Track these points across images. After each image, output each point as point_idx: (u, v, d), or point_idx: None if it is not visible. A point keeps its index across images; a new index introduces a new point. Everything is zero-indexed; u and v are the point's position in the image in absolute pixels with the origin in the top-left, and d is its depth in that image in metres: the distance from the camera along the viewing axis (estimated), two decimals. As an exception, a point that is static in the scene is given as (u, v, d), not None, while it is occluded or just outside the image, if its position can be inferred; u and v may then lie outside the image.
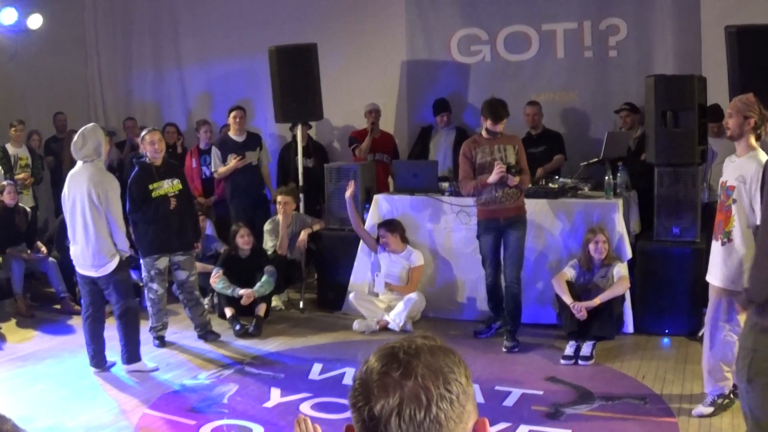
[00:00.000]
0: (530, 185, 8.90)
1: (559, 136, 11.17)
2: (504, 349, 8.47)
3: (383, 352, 1.84)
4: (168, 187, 8.73)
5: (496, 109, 8.45)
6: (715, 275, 6.46)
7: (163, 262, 8.84)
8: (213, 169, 11.26)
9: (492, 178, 8.29)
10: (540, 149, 10.75)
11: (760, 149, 6.22)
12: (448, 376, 1.79)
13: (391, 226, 9.60)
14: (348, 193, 9.72)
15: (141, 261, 8.92)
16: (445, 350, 1.85)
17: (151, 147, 8.69)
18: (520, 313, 8.70)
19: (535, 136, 11.00)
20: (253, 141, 11.40)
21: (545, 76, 11.78)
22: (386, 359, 1.81)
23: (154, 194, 8.66)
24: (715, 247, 6.43)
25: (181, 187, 8.87)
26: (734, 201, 6.21)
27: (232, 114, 11.26)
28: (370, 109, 11.82)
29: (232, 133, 11.31)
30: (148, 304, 8.95)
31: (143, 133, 8.89)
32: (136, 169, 8.85)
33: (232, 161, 10.94)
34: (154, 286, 8.86)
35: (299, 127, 11.22)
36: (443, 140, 11.68)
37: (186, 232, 9.00)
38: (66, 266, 9.40)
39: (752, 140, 6.18)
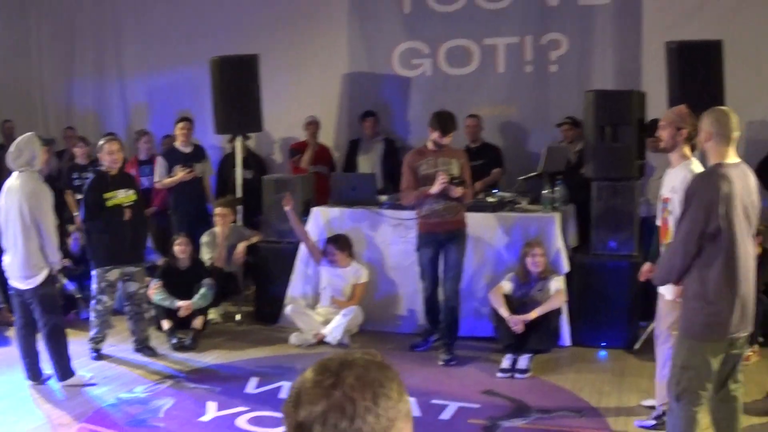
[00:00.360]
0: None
1: (498, 149, 11.23)
2: (441, 363, 8.45)
3: (319, 363, 1.87)
4: (123, 196, 8.68)
5: (445, 121, 8.45)
6: (666, 288, 6.48)
7: (114, 274, 8.75)
8: (157, 179, 11.10)
9: (434, 188, 8.28)
10: (479, 162, 10.79)
11: (695, 159, 6.31)
12: (377, 389, 1.80)
13: (339, 242, 9.52)
14: (288, 207, 9.66)
15: (92, 272, 8.81)
16: (380, 365, 1.86)
17: (109, 157, 8.64)
18: (457, 327, 8.69)
19: (474, 149, 11.02)
20: (199, 153, 11.32)
21: (486, 90, 11.84)
22: (320, 370, 1.84)
23: (108, 203, 8.61)
24: None
25: (135, 197, 8.82)
26: (670, 212, 6.30)
27: (180, 125, 11.13)
28: (310, 121, 11.80)
29: (178, 144, 11.20)
30: (93, 314, 8.83)
31: (101, 142, 8.82)
32: (91, 177, 8.81)
33: (180, 173, 10.81)
34: (104, 298, 8.76)
35: (238, 138, 11.17)
36: (372, 153, 11.71)
37: (139, 243, 9.00)
38: (2, 277, 9.27)
39: (686, 151, 6.28)
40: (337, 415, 1.76)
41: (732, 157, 5.28)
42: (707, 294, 5.10)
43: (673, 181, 6.29)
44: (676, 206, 6.15)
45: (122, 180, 8.82)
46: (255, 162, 12.12)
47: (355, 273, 9.51)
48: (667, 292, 6.45)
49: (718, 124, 5.27)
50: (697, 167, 6.17)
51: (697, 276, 5.15)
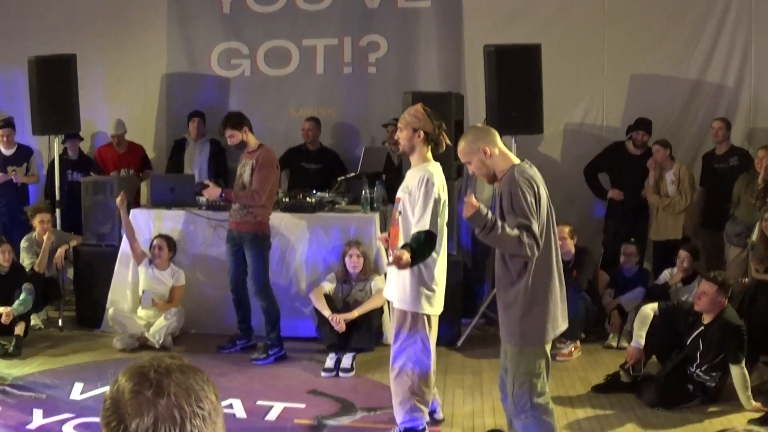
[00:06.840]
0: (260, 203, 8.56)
1: (336, 154, 11.36)
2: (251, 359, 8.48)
3: (133, 371, 1.86)
4: None
5: (223, 120, 8.63)
6: (391, 294, 6.35)
7: None
8: None
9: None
10: (317, 166, 10.93)
11: (433, 161, 6.18)
12: (199, 393, 1.84)
13: (169, 241, 9.46)
14: (118, 201, 9.45)
15: None
16: (193, 369, 1.90)
17: None
18: (272, 328, 8.64)
19: (313, 152, 11.17)
20: (22, 155, 11.04)
21: (305, 91, 11.86)
22: (137, 378, 1.83)
23: None
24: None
25: None
26: (400, 213, 6.18)
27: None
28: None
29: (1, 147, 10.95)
30: None
31: None
32: None
33: None
34: None
35: (57, 139, 10.87)
36: (197, 153, 11.53)
37: None
38: None
39: (425, 152, 6.14)
40: (168, 424, 1.78)
41: (515, 158, 5.32)
42: (537, 296, 5.09)
43: (408, 181, 6.19)
44: (407, 207, 6.09)
45: None
46: (87, 164, 11.76)
47: (174, 276, 9.43)
48: (392, 298, 6.32)
49: (487, 135, 5.32)
50: (433, 167, 6.12)
51: (524, 282, 5.08)
